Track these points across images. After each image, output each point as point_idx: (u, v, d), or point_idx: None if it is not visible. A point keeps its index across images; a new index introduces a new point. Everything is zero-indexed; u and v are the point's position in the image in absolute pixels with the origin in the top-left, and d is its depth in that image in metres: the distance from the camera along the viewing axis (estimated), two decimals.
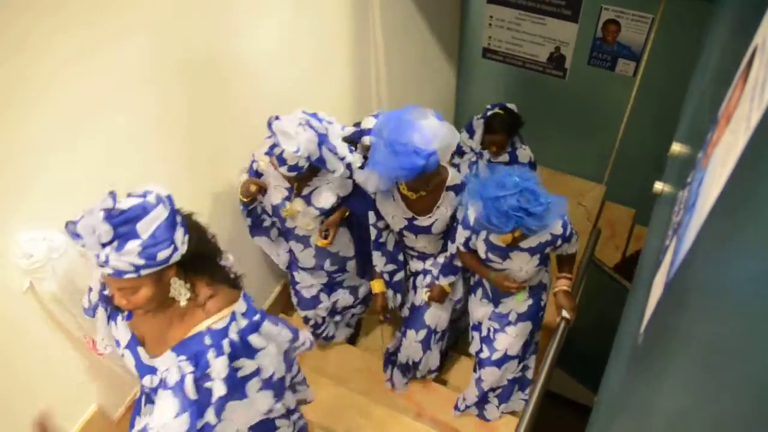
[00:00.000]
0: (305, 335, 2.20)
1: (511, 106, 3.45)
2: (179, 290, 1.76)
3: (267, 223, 3.02)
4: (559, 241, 2.64)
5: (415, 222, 2.77)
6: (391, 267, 3.02)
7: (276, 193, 2.78)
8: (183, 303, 1.77)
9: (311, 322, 3.38)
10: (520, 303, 2.89)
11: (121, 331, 1.89)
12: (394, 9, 3.54)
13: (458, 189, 2.72)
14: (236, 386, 1.87)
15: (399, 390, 3.38)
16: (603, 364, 2.35)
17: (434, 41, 4.30)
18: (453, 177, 2.71)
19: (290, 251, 3.10)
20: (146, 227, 1.58)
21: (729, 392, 0.59)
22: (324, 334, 3.48)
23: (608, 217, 4.89)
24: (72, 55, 1.87)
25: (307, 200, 2.77)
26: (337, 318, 3.47)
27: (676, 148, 2.10)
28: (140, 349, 1.87)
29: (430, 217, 2.75)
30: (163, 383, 1.80)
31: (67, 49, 1.85)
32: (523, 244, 2.58)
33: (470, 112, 5.13)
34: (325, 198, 2.78)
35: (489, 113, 3.42)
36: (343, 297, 3.33)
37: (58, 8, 1.77)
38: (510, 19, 4.04)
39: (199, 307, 1.81)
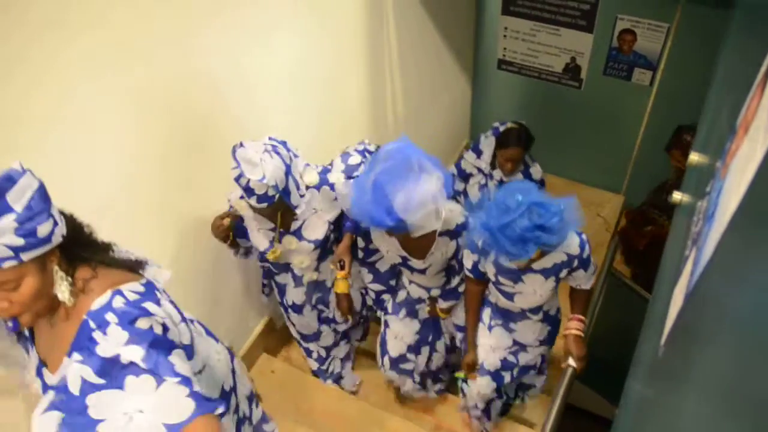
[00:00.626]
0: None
1: (521, 122, 3.31)
2: (59, 283, 1.47)
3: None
4: (576, 263, 2.38)
5: (410, 263, 2.60)
6: (378, 287, 2.91)
7: (261, 238, 2.59)
8: (64, 297, 1.47)
9: (314, 355, 3.23)
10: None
11: (32, 357, 1.61)
12: (408, 22, 3.56)
13: (454, 233, 2.50)
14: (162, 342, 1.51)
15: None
16: (623, 376, 2.33)
17: (449, 53, 4.31)
18: (448, 221, 2.44)
19: (276, 287, 2.91)
20: (18, 197, 1.33)
21: (752, 406, 0.58)
22: (330, 370, 3.30)
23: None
24: (83, 72, 1.89)
25: (298, 235, 2.58)
26: (341, 351, 3.30)
27: (695, 157, 2.08)
28: (44, 371, 1.57)
29: (423, 262, 2.58)
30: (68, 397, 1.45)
31: (75, 66, 1.87)
32: (536, 266, 2.36)
33: (486, 123, 5.13)
34: (317, 228, 2.59)
35: (501, 128, 3.26)
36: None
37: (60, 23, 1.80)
38: (525, 30, 4.04)
39: (81, 293, 1.50)
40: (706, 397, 0.80)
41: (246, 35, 2.44)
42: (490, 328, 2.77)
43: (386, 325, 3.01)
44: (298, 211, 2.44)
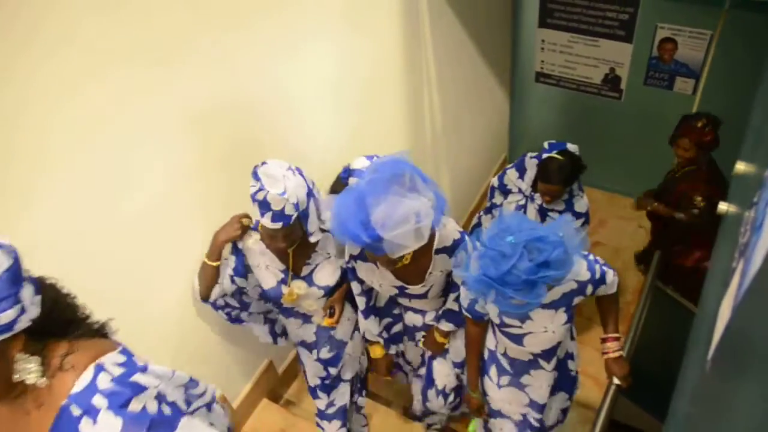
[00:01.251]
0: (208, 385, 1.60)
1: (572, 148, 2.99)
2: (23, 367, 1.23)
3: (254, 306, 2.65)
4: (590, 288, 2.16)
5: (407, 290, 2.41)
6: (386, 320, 2.74)
7: (268, 276, 2.42)
8: (33, 381, 1.23)
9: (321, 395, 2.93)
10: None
11: None
12: (445, 36, 3.57)
13: (452, 249, 2.30)
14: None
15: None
16: (669, 391, 2.27)
17: (486, 66, 4.30)
18: (444, 237, 2.28)
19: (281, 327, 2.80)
20: None
21: None
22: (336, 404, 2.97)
23: None
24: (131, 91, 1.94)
25: (309, 281, 2.45)
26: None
27: (741, 166, 2.03)
28: None
29: (423, 285, 2.38)
30: None
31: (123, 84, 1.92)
32: (544, 300, 2.06)
33: (524, 137, 5.12)
34: (328, 274, 2.48)
35: (545, 155, 2.97)
36: (342, 393, 2.93)
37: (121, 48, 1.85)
38: (562, 42, 4.01)
39: (59, 371, 1.26)
40: (756, 414, 0.77)
41: (283, 49, 2.47)
42: (499, 386, 2.53)
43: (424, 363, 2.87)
44: (312, 239, 2.28)
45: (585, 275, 2.13)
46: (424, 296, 2.44)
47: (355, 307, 2.63)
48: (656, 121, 4.35)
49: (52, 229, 1.85)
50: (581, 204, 3.09)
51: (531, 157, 3.11)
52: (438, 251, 2.28)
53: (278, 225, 2.10)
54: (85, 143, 1.85)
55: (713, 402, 1.19)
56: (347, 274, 2.49)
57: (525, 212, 3.16)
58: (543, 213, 3.11)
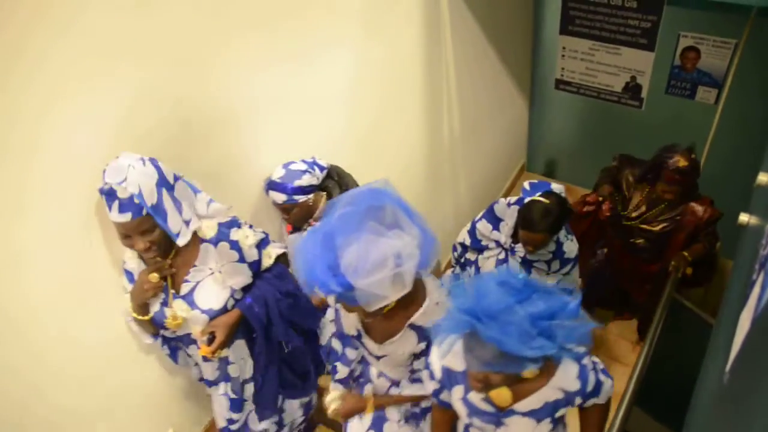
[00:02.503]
0: None
1: (557, 188, 2.63)
2: None
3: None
4: (578, 400, 1.81)
5: (363, 339, 2.09)
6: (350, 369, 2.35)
7: (152, 298, 2.09)
8: None
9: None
10: None
11: None
12: (466, 41, 3.56)
13: (424, 333, 1.92)
14: None
15: None
16: (685, 404, 2.24)
17: (506, 73, 4.29)
18: (427, 316, 1.89)
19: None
20: None
21: None
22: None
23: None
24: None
25: (189, 301, 2.08)
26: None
27: (764, 178, 2.01)
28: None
29: (379, 348, 2.04)
30: None
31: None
32: (521, 406, 1.75)
33: (543, 144, 5.10)
34: (212, 295, 2.09)
35: (527, 199, 2.59)
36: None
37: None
38: (583, 49, 3.99)
39: None
40: None
41: (302, 53, 2.48)
42: None
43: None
44: (179, 241, 1.95)
45: (574, 385, 1.76)
46: (378, 358, 2.10)
47: (263, 356, 2.27)
48: (677, 131, 4.31)
49: None
50: (571, 248, 2.73)
51: (509, 204, 2.73)
52: (412, 326, 1.92)
53: (126, 217, 1.81)
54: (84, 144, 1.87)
55: (731, 414, 1.17)
56: (248, 297, 2.16)
57: (507, 266, 2.78)
58: (527, 265, 2.74)
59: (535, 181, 2.68)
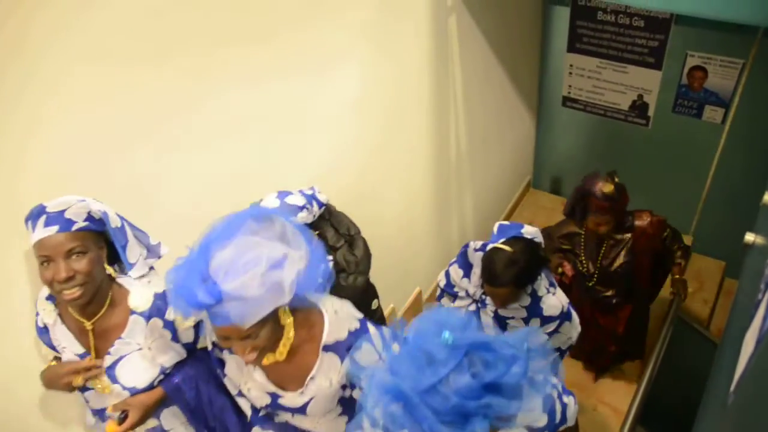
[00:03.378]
0: None
1: (530, 232, 2.23)
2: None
3: None
4: None
5: (281, 400, 1.72)
6: None
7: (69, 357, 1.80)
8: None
9: None
10: None
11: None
12: (474, 58, 3.58)
13: (346, 347, 1.67)
14: None
15: None
16: (690, 423, 2.23)
17: (514, 89, 4.30)
18: (336, 327, 1.66)
19: None
20: None
21: None
22: None
23: (696, 269, 4.67)
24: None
25: (111, 375, 1.78)
26: None
27: None
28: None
29: (301, 393, 1.70)
30: None
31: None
32: None
33: (549, 161, 5.11)
34: (138, 371, 1.80)
35: (489, 245, 2.24)
36: None
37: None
38: (590, 67, 4.01)
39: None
40: None
41: (310, 67, 2.49)
42: None
43: None
44: (133, 273, 1.74)
45: (541, 420, 1.53)
46: (303, 411, 1.73)
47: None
48: (684, 150, 4.32)
49: None
50: (552, 304, 2.32)
51: (475, 249, 2.39)
52: (327, 347, 1.65)
53: (51, 230, 1.53)
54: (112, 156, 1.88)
55: None
56: (176, 377, 1.87)
57: (477, 322, 2.12)
58: (501, 322, 2.39)
59: (506, 222, 2.32)
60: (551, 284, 2.38)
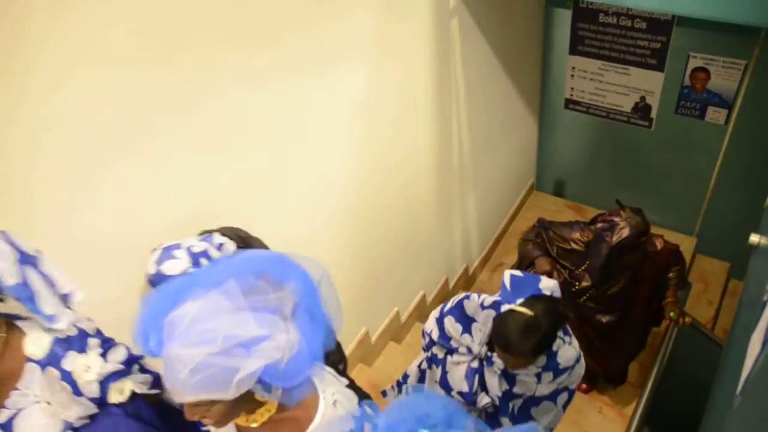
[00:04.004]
0: None
1: (548, 287, 1.93)
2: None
3: None
4: None
5: None
6: None
7: None
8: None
9: None
10: None
11: None
12: (476, 60, 3.58)
13: None
14: None
15: None
16: (696, 425, 2.22)
17: (516, 92, 4.30)
18: (326, 428, 1.39)
19: None
20: None
21: None
22: None
23: (700, 270, 4.67)
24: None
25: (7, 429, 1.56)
26: None
27: None
28: None
29: None
30: None
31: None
32: None
33: (552, 163, 5.11)
34: (38, 427, 1.55)
35: (503, 307, 1.92)
36: None
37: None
38: (593, 69, 4.00)
39: None
40: None
41: (311, 69, 2.49)
42: None
43: None
44: (57, 326, 1.52)
45: None
46: None
47: None
48: (687, 151, 4.31)
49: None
50: (567, 357, 2.06)
51: (483, 306, 2.08)
52: None
53: None
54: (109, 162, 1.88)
55: None
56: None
57: (481, 379, 2.15)
58: (509, 377, 2.12)
59: (519, 274, 1.97)
60: (565, 332, 2.09)
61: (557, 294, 1.94)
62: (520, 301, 1.88)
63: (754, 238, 2.17)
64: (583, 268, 2.79)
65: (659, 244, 2.78)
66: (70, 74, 1.67)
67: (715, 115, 3.80)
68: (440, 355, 2.27)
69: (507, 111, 4.32)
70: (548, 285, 1.93)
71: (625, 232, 2.50)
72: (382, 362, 3.69)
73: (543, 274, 2.70)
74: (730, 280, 4.67)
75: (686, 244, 4.64)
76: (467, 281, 4.56)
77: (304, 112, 2.53)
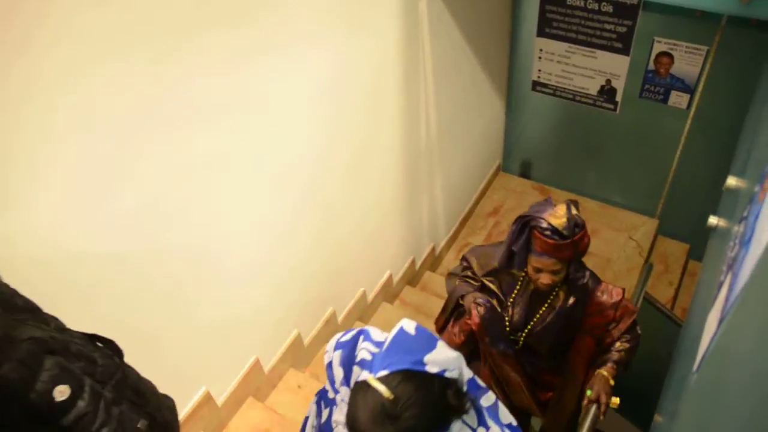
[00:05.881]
0: None
1: (440, 361, 1.25)
2: None
3: None
4: None
5: None
6: None
7: None
8: None
9: None
10: None
11: None
12: (445, 42, 3.58)
13: None
14: None
15: None
16: (654, 402, 2.28)
17: (484, 74, 4.31)
18: None
19: None
20: None
21: None
22: None
23: (661, 251, 4.78)
24: None
25: None
26: None
27: (732, 181, 2.05)
28: None
29: None
30: None
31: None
32: None
33: (518, 145, 5.15)
34: None
35: (361, 375, 1.30)
36: None
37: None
38: (560, 52, 4.03)
39: None
40: (738, 425, 0.78)
41: (273, 50, 2.46)
42: None
43: None
44: None
45: None
46: None
47: None
48: (650, 134, 4.39)
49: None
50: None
51: (354, 361, 1.45)
52: None
53: None
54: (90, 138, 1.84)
55: (697, 412, 1.20)
56: None
57: None
58: None
59: (410, 328, 1.34)
60: (481, 421, 1.45)
61: (453, 373, 1.30)
62: (383, 373, 1.25)
63: (713, 220, 2.22)
64: (514, 305, 2.31)
65: (616, 296, 2.28)
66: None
67: (678, 99, 3.86)
68: (330, 395, 1.59)
69: (475, 92, 4.33)
70: (438, 359, 1.28)
71: (544, 215, 2.00)
72: None
73: (469, 318, 2.34)
74: (690, 261, 4.79)
75: (648, 226, 4.74)
76: (434, 261, 4.60)
77: (270, 93, 2.49)
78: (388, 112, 3.31)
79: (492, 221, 4.92)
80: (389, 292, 4.05)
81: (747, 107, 3.36)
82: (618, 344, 2.32)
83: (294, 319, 3.22)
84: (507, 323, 2.32)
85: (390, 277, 4.00)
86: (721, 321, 1.11)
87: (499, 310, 2.33)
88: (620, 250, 4.62)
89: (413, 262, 4.26)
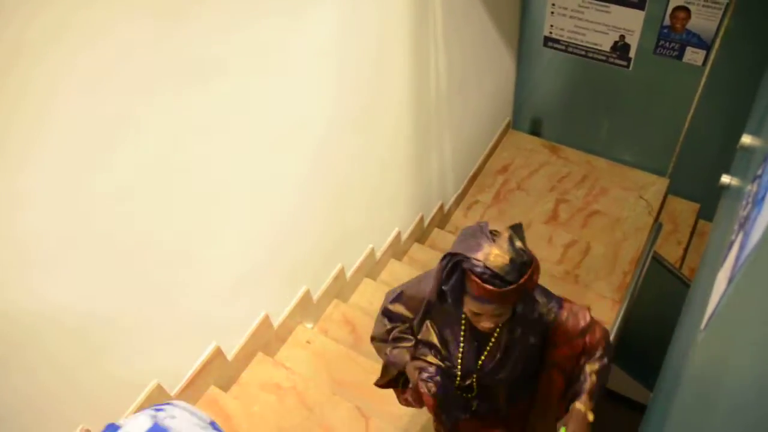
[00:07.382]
0: None
1: None
2: None
3: None
4: None
5: None
6: None
7: None
8: None
9: None
10: None
11: None
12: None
13: None
14: None
15: None
16: (661, 360, 2.30)
17: (494, 29, 4.24)
18: None
19: None
20: None
21: None
22: None
23: (671, 211, 4.76)
24: None
25: None
26: None
27: (747, 140, 2.02)
28: None
29: None
30: None
31: None
32: None
33: (529, 101, 5.09)
34: None
35: None
36: None
37: None
38: (573, 7, 3.95)
39: None
40: (745, 383, 0.78)
41: (284, 10, 2.42)
42: None
43: None
44: None
45: None
46: None
47: None
48: (664, 92, 4.32)
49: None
50: None
51: None
52: None
53: None
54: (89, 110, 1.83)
55: (705, 369, 1.20)
56: None
57: None
58: None
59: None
60: None
61: None
62: None
63: (725, 179, 2.20)
64: (458, 352, 1.91)
65: (583, 318, 1.83)
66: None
67: (693, 55, 3.79)
68: None
69: (485, 48, 4.27)
70: None
71: (479, 253, 1.50)
72: (356, 298, 3.74)
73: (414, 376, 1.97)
74: (699, 220, 4.77)
75: (659, 185, 4.71)
76: (443, 218, 4.60)
77: (279, 51, 2.46)
78: (396, 68, 3.27)
79: (501, 179, 4.90)
80: (398, 249, 4.06)
81: (765, 64, 3.29)
82: (588, 367, 1.83)
83: (302, 275, 3.24)
84: (458, 375, 1.92)
85: (398, 235, 4.01)
86: (731, 279, 1.10)
87: (446, 368, 1.93)
88: (630, 209, 4.60)
89: (422, 220, 4.26)
